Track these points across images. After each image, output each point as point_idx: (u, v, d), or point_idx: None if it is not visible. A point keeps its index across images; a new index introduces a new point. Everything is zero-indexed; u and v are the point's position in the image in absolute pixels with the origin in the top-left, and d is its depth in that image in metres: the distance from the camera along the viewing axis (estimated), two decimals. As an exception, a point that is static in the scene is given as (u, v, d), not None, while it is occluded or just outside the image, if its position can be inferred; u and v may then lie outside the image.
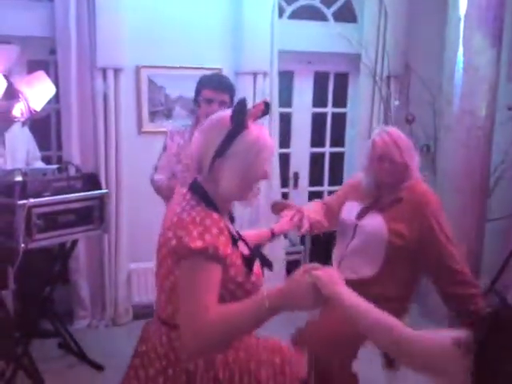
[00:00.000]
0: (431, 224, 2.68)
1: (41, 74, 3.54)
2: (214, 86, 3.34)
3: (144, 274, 4.53)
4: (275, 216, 2.97)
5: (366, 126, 4.98)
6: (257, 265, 1.88)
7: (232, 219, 1.98)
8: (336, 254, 2.97)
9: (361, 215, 2.84)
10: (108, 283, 4.45)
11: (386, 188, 2.82)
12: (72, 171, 3.60)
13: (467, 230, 4.30)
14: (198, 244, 1.66)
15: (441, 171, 4.50)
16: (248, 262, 1.83)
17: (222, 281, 1.71)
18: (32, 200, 3.15)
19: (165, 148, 3.53)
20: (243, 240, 1.95)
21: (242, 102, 1.79)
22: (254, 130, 1.80)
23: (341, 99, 5.31)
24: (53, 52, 4.17)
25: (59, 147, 4.37)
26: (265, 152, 1.81)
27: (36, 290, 3.78)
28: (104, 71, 4.15)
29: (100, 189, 3.66)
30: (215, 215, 1.76)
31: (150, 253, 3.95)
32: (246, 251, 1.88)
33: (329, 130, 5.28)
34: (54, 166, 3.67)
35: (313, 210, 2.90)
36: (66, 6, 3.99)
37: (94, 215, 3.56)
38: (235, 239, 1.83)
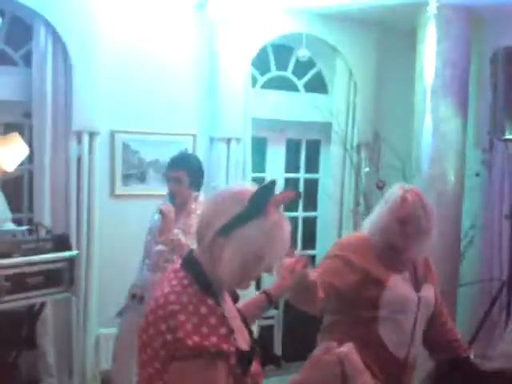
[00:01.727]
0: (434, 278, 2.69)
1: (14, 135, 3.58)
2: (169, 165, 3.53)
3: (113, 339, 4.40)
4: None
5: (338, 191, 5.09)
6: (256, 363, 1.60)
7: (236, 297, 1.75)
8: (399, 332, 2.52)
9: (417, 287, 2.55)
10: (76, 348, 4.33)
11: (401, 250, 2.50)
12: (42, 233, 3.59)
13: (440, 292, 4.31)
14: (196, 340, 1.39)
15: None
16: (244, 360, 1.53)
17: None
18: (0, 261, 3.11)
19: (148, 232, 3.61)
20: (245, 325, 1.69)
21: (269, 186, 1.56)
22: (272, 217, 1.53)
23: (313, 165, 5.41)
24: (27, 115, 4.21)
25: (31, 209, 4.34)
26: (277, 245, 1.54)
27: (2, 355, 3.68)
28: (79, 134, 4.20)
29: (70, 250, 3.63)
30: (210, 301, 1.48)
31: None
32: (244, 344, 1.58)
33: (301, 195, 5.34)
34: (24, 227, 3.66)
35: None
36: (43, 71, 4.08)
37: (63, 277, 3.53)
38: (231, 331, 1.52)
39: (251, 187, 1.57)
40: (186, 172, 3.44)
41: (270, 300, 2.04)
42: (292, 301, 2.33)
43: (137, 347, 1.55)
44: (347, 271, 2.44)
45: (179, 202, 3.43)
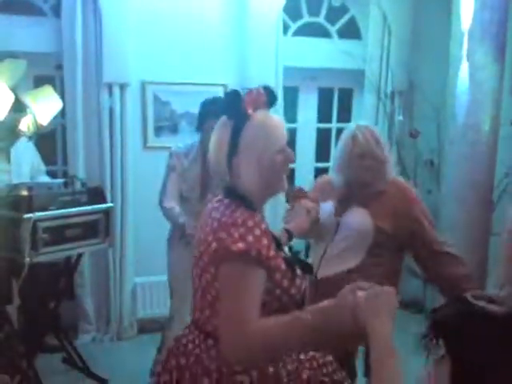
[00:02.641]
0: (417, 215, 2.68)
1: (48, 88, 3.58)
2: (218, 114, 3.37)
3: (149, 288, 4.53)
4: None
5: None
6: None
7: (290, 235, 1.94)
8: (316, 253, 2.81)
9: (340, 211, 2.73)
10: (113, 297, 4.45)
11: (360, 186, 2.70)
12: (77, 185, 3.62)
13: (472, 242, 4.29)
14: (240, 246, 1.57)
15: (445, 185, 4.50)
16: (291, 265, 1.73)
17: (266, 286, 1.62)
18: (38, 214, 3.16)
19: (172, 168, 3.50)
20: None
21: (231, 92, 1.74)
22: (256, 116, 1.70)
23: (345, 115, 5.33)
24: (59, 67, 4.22)
25: (65, 162, 4.40)
26: (273, 136, 1.72)
27: (41, 305, 3.79)
28: (110, 86, 4.21)
29: (105, 203, 3.68)
30: (257, 217, 1.68)
31: (155, 267, 4.03)
32: (288, 254, 1.80)
33: (333, 145, 5.30)
34: (60, 180, 3.70)
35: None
36: (72, 21, 4.06)
37: (99, 229, 3.57)
38: (278, 242, 1.74)
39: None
40: None
41: (290, 237, 2.20)
42: (307, 236, 2.75)
43: (194, 265, 1.76)
44: None
45: None
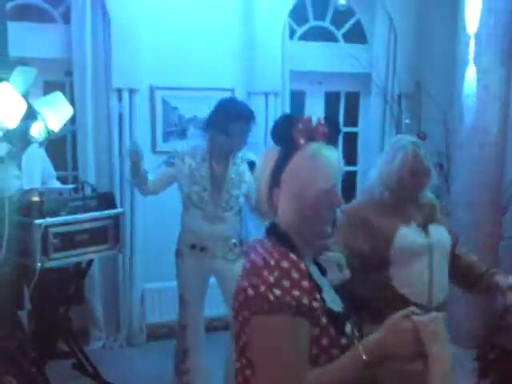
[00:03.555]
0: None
1: (59, 94, 3.58)
2: (249, 117, 3.36)
3: (158, 293, 4.54)
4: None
5: (378, 144, 5.02)
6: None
7: (323, 270, 1.66)
8: (412, 281, 2.55)
9: (424, 233, 2.58)
10: (122, 303, 4.46)
11: (413, 201, 2.60)
12: (88, 191, 3.62)
13: (482, 246, 4.28)
14: (277, 294, 1.37)
15: (454, 188, 4.50)
16: (337, 320, 1.50)
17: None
18: (48, 219, 3.16)
19: (169, 164, 3.48)
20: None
21: (283, 117, 1.60)
22: (308, 147, 1.51)
23: (352, 118, 5.33)
24: (68, 73, 4.24)
25: (75, 167, 4.41)
26: (321, 172, 1.51)
27: (51, 310, 3.78)
28: (119, 92, 4.24)
29: (115, 208, 3.68)
30: (292, 255, 1.47)
31: (164, 273, 4.02)
32: (335, 306, 1.53)
33: (340, 148, 5.30)
34: (70, 186, 3.69)
35: None
36: (82, 28, 4.09)
37: (109, 235, 3.56)
38: (320, 288, 1.50)
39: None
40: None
41: None
42: None
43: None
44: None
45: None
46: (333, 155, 1.54)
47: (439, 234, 2.61)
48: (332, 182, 1.52)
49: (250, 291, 1.41)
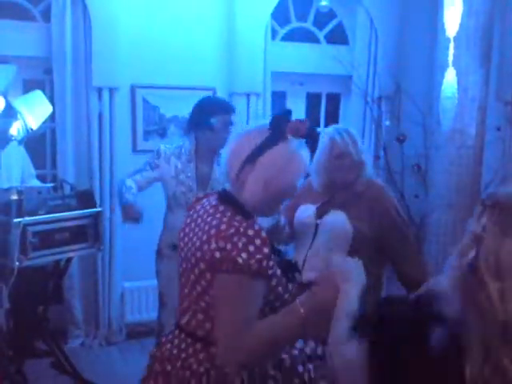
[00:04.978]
0: (392, 214, 2.76)
1: (38, 93, 3.57)
2: (231, 109, 3.42)
3: (137, 292, 4.54)
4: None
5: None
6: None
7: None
8: (298, 257, 2.82)
9: (320, 214, 2.79)
10: (102, 302, 4.44)
11: (340, 187, 2.80)
12: (67, 189, 3.62)
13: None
14: (244, 257, 1.58)
15: (432, 189, 4.55)
16: (285, 270, 1.76)
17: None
18: (27, 218, 3.16)
19: (153, 166, 3.47)
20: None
21: (287, 113, 1.75)
22: (291, 143, 1.71)
23: (333, 119, 5.36)
24: (48, 71, 4.22)
25: (54, 165, 4.39)
26: (294, 168, 1.72)
27: (30, 309, 3.77)
28: (99, 90, 4.22)
29: (94, 207, 3.66)
30: (256, 225, 1.68)
31: (144, 271, 4.03)
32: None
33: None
34: (49, 185, 3.69)
35: None
36: (62, 26, 4.06)
37: (88, 233, 3.55)
38: (275, 248, 1.76)
39: (265, 121, 1.74)
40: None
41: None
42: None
43: (184, 269, 1.80)
44: None
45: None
46: (307, 156, 1.75)
47: (337, 218, 2.73)
48: (298, 179, 1.76)
49: (217, 253, 1.61)
